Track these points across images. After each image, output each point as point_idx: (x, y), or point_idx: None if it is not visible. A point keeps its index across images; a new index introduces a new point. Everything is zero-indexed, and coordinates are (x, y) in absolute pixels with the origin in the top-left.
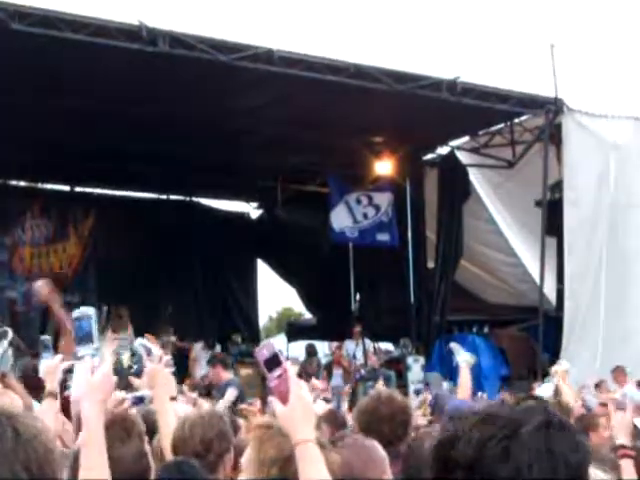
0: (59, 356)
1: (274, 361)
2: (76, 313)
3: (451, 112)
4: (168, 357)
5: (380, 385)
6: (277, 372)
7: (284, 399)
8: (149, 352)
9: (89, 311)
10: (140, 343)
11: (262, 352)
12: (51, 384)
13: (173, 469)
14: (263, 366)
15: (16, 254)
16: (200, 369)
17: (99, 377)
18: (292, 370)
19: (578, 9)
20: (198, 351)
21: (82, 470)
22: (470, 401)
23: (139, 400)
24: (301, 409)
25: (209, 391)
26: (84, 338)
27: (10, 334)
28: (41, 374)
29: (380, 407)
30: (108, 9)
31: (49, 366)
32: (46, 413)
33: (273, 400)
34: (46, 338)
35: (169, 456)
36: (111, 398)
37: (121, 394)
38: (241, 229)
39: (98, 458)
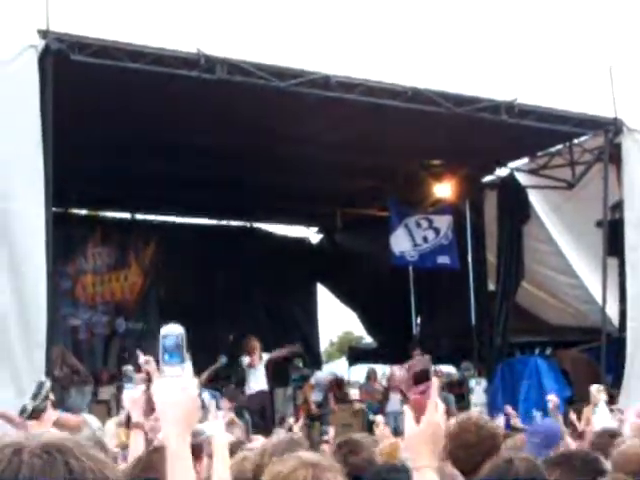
0: (142, 386)
1: (423, 376)
2: (164, 330)
3: (510, 134)
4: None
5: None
6: (422, 387)
7: (420, 414)
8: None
9: (178, 329)
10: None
11: (416, 364)
12: (137, 415)
13: None
14: (411, 377)
15: (79, 282)
16: None
17: (189, 398)
18: (436, 389)
19: (636, 29)
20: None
21: None
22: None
23: (200, 433)
24: (430, 435)
25: None
26: (173, 357)
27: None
28: (125, 404)
29: (466, 434)
30: (166, 38)
31: (133, 397)
32: (135, 444)
33: (406, 415)
34: (129, 369)
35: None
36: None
37: None
38: (301, 254)
39: None
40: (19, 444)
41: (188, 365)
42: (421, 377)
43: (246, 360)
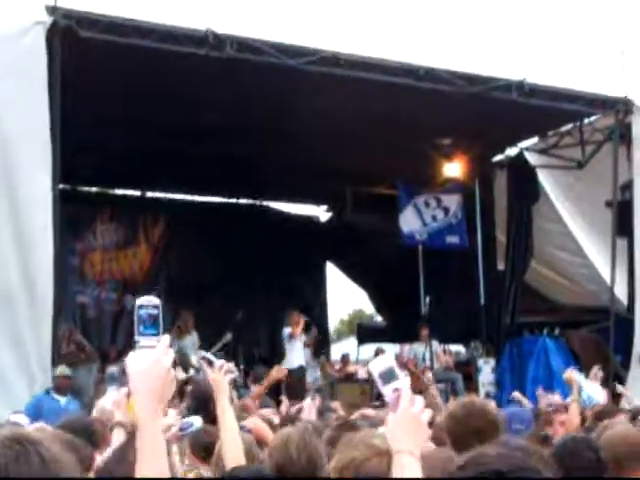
0: (125, 389)
1: (390, 375)
2: (140, 300)
3: (520, 113)
4: (229, 365)
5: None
6: (392, 386)
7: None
8: (210, 363)
9: (155, 300)
10: (201, 356)
11: (377, 365)
12: (120, 415)
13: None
14: (378, 378)
15: (87, 259)
16: None
17: (162, 369)
18: (407, 385)
19: None
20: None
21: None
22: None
23: (188, 426)
24: (407, 423)
25: None
26: (148, 328)
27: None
28: (109, 405)
29: (470, 419)
30: (175, 15)
31: (116, 399)
32: (117, 441)
33: (390, 411)
34: (113, 370)
35: (231, 461)
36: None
37: (169, 420)
38: (311, 232)
39: (153, 464)
40: None
41: (165, 337)
42: (388, 376)
43: (287, 330)
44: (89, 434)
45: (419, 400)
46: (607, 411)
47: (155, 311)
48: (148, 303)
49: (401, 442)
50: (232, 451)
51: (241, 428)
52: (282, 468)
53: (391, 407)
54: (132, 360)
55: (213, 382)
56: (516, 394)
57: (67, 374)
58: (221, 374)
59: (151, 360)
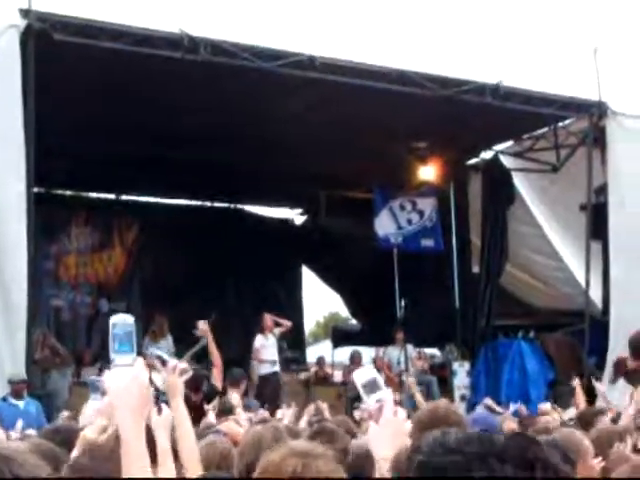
0: (107, 398)
1: (372, 385)
2: (114, 319)
3: (495, 116)
4: (183, 365)
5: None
6: (375, 396)
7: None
8: (164, 362)
9: (129, 319)
10: (153, 354)
11: (360, 375)
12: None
13: None
14: (361, 387)
15: (61, 263)
16: None
17: (140, 385)
18: (389, 396)
19: (621, 11)
20: None
21: None
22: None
23: None
24: (390, 432)
25: None
26: (122, 345)
27: None
28: (92, 414)
29: (435, 424)
30: (149, 18)
31: (99, 409)
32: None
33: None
34: (95, 379)
35: (191, 465)
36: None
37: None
38: (285, 235)
39: (139, 473)
40: None
41: (140, 359)
42: (371, 387)
43: (258, 342)
44: (70, 442)
45: (401, 411)
46: (591, 413)
47: (129, 328)
48: (123, 322)
49: (383, 450)
50: (188, 455)
51: (216, 432)
52: (253, 468)
53: (374, 417)
54: (110, 378)
55: (168, 386)
56: (487, 401)
57: (22, 378)
58: (175, 375)
59: (129, 377)
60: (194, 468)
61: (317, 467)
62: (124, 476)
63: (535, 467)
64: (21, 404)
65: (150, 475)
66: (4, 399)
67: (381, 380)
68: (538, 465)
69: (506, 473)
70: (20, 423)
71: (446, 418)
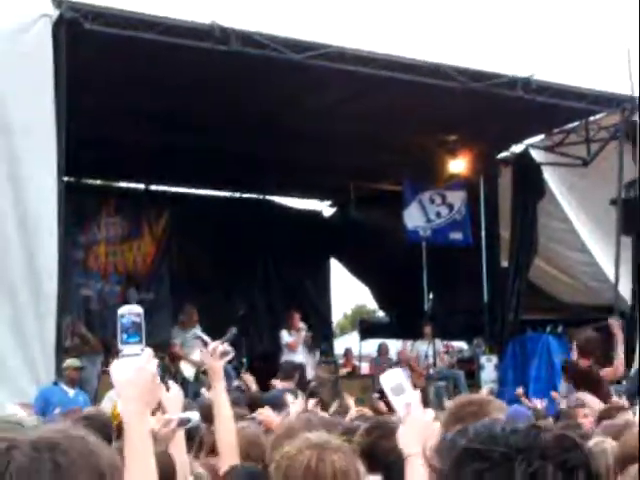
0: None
1: (399, 389)
2: (122, 310)
3: (526, 110)
4: (225, 347)
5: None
6: (403, 398)
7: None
8: (205, 344)
9: (137, 309)
10: (195, 335)
11: (388, 379)
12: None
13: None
14: (389, 391)
15: (91, 252)
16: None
17: (146, 376)
18: (417, 398)
19: None
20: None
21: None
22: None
23: (186, 421)
24: (418, 430)
25: None
26: (130, 336)
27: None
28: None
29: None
30: (181, 8)
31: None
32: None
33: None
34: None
35: (227, 450)
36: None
37: (167, 415)
38: (314, 227)
39: (141, 469)
40: (13, 440)
41: (148, 349)
42: (398, 390)
43: (285, 339)
44: (107, 431)
45: (429, 411)
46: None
47: (137, 319)
48: (130, 311)
49: (412, 447)
50: (226, 440)
51: (251, 419)
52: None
53: (402, 419)
54: (116, 369)
55: (208, 369)
56: (519, 390)
57: (77, 365)
58: (216, 357)
59: (135, 368)
60: (230, 457)
61: (332, 460)
62: (127, 462)
63: (575, 473)
64: (71, 392)
65: (152, 464)
66: (55, 383)
67: (407, 382)
68: (579, 472)
69: (546, 471)
70: (58, 410)
71: (484, 411)
